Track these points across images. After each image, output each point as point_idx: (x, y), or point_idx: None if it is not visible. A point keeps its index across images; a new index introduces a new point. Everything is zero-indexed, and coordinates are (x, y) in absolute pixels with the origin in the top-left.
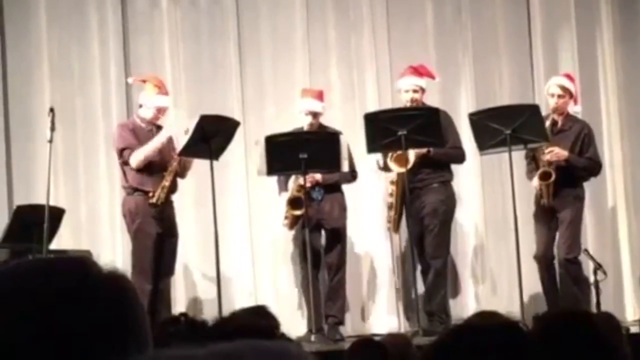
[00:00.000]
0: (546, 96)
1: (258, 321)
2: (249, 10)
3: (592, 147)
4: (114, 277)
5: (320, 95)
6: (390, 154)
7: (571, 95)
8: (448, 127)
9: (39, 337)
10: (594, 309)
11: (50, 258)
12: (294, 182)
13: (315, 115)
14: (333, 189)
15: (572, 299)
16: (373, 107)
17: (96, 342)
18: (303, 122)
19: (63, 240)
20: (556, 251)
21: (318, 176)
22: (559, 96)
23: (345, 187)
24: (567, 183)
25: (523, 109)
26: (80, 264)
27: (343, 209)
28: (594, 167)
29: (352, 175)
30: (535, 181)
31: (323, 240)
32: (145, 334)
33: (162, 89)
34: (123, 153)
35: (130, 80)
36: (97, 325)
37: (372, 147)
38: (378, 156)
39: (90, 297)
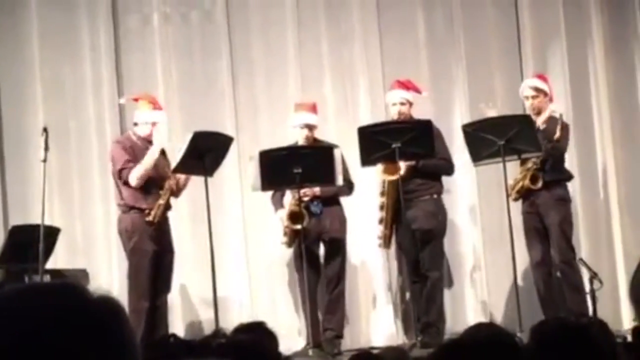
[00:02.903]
0: (522, 100)
1: (239, 337)
2: (241, 26)
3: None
4: (104, 301)
5: (314, 108)
6: (380, 166)
7: (545, 94)
8: (437, 140)
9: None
10: (591, 317)
11: (41, 283)
12: (292, 196)
13: (310, 128)
14: (331, 202)
15: (571, 306)
16: (366, 120)
17: None
18: (297, 137)
19: (59, 260)
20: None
21: (317, 190)
22: (533, 97)
23: (342, 200)
24: (548, 186)
25: (516, 120)
26: (69, 290)
27: (343, 221)
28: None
29: (348, 187)
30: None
31: (322, 253)
32: (135, 357)
33: (155, 105)
34: (122, 173)
35: (122, 100)
36: (87, 349)
37: (366, 160)
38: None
39: (79, 322)
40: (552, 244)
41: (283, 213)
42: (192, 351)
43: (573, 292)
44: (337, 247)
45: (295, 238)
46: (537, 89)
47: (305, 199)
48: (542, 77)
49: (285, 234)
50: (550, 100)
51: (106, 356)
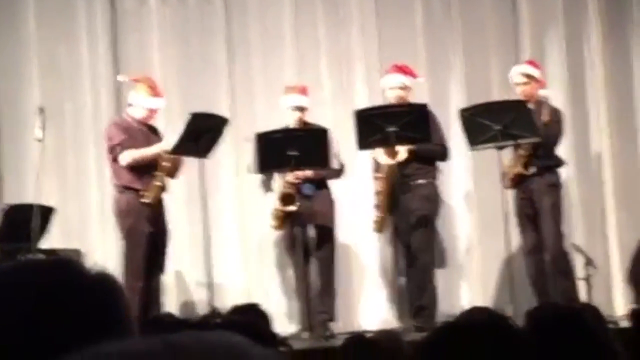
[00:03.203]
0: (512, 87)
1: (238, 317)
2: (238, 7)
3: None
4: (101, 278)
5: (304, 91)
6: (380, 150)
7: (537, 81)
8: (432, 124)
9: (21, 336)
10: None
11: (37, 260)
12: (282, 178)
13: (301, 110)
14: (321, 185)
15: (561, 291)
16: (363, 104)
17: (81, 342)
18: (288, 119)
19: (53, 240)
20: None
21: (308, 172)
22: (524, 83)
23: (336, 184)
24: (540, 172)
25: (513, 105)
26: (66, 265)
27: (332, 204)
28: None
29: (339, 170)
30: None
31: (311, 236)
32: (133, 331)
33: (155, 91)
34: (115, 149)
35: (121, 77)
36: (84, 324)
37: (362, 144)
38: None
39: (76, 298)
40: (542, 229)
41: (273, 196)
42: (189, 329)
43: (562, 277)
44: (326, 230)
45: (285, 221)
46: (527, 75)
47: (297, 181)
48: (532, 63)
49: (275, 217)
50: (541, 86)
51: (104, 331)
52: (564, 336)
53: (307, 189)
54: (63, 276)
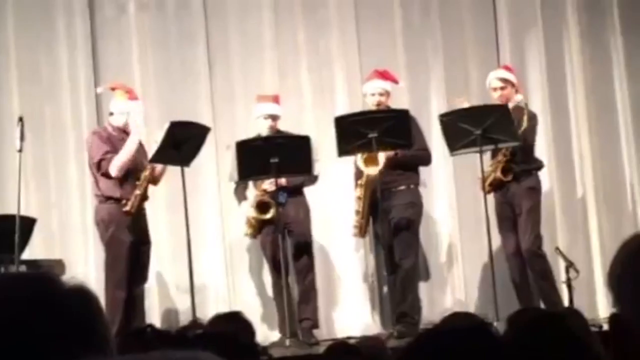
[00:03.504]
0: (489, 92)
1: (216, 327)
2: (217, 14)
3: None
4: (77, 291)
5: (276, 99)
6: (360, 156)
7: (513, 85)
8: (413, 129)
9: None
10: (565, 306)
11: (13, 273)
12: (256, 187)
13: (274, 118)
14: (295, 192)
15: (542, 294)
16: (343, 109)
17: (57, 353)
18: (260, 128)
19: (35, 250)
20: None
21: (283, 180)
22: (501, 88)
23: (316, 190)
24: (518, 176)
25: (493, 110)
26: (42, 280)
27: (307, 211)
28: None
29: (314, 177)
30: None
31: (288, 244)
32: (107, 346)
33: (131, 94)
34: (101, 164)
35: (99, 89)
36: (59, 338)
37: (343, 150)
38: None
39: (52, 312)
40: (519, 232)
41: (247, 205)
42: (169, 342)
43: (542, 280)
44: (303, 237)
45: (260, 229)
46: (504, 80)
47: (271, 188)
48: (507, 68)
49: (250, 225)
50: (517, 90)
51: (79, 345)
52: (546, 341)
53: (281, 197)
54: (39, 291)
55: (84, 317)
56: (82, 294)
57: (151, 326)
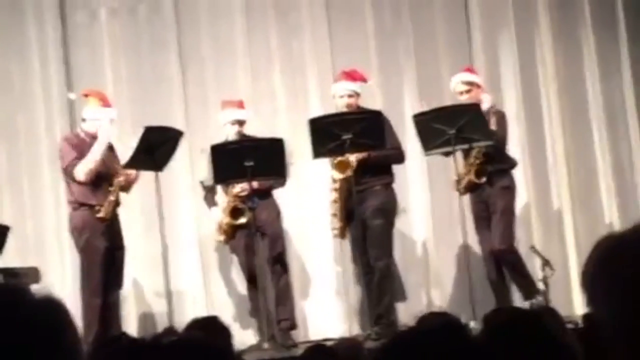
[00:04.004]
0: (455, 96)
1: (193, 334)
2: (189, 19)
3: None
4: (45, 303)
5: (241, 104)
6: (331, 161)
7: (478, 86)
8: (386, 128)
9: None
10: (546, 302)
11: None
12: (228, 193)
13: (241, 123)
14: (266, 195)
15: (520, 288)
16: (317, 111)
17: None
18: (227, 133)
19: (9, 258)
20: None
21: (255, 184)
22: (467, 91)
23: (291, 193)
24: (492, 176)
25: (466, 109)
26: (9, 291)
27: (278, 213)
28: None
29: (282, 179)
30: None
31: (261, 247)
32: (76, 355)
33: (105, 102)
34: (68, 169)
35: (72, 96)
36: (26, 350)
37: (317, 152)
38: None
39: (19, 323)
40: (492, 230)
41: (219, 211)
42: (143, 350)
43: (515, 274)
44: (277, 240)
45: (233, 234)
46: (469, 83)
47: (244, 193)
48: (470, 70)
49: (222, 231)
50: (483, 91)
51: (45, 357)
52: (522, 340)
53: (251, 202)
54: (5, 302)
55: (52, 328)
56: (50, 305)
57: (124, 334)
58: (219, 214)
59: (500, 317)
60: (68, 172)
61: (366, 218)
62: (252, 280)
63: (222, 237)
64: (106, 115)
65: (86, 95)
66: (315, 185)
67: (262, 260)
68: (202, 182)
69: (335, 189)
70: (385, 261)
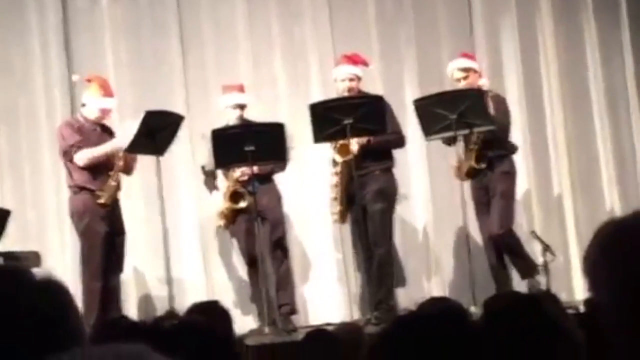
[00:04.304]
0: (453, 84)
1: (194, 318)
2: (190, 4)
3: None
4: (47, 284)
5: (242, 88)
6: (333, 145)
7: (475, 71)
8: (387, 113)
9: None
10: (543, 287)
11: None
12: (229, 177)
13: (242, 107)
14: (266, 179)
15: (520, 268)
16: (318, 97)
17: (28, 347)
18: (228, 118)
19: (10, 242)
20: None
21: (255, 168)
22: (464, 78)
23: (292, 177)
24: (493, 162)
25: (467, 94)
26: (11, 273)
27: (279, 198)
28: None
29: (283, 164)
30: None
31: (262, 232)
32: (79, 338)
33: (106, 91)
34: (70, 150)
35: (75, 77)
36: (29, 331)
37: (318, 137)
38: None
39: (21, 305)
40: (491, 214)
41: (219, 195)
42: (143, 333)
43: (514, 256)
44: (278, 225)
45: (234, 219)
46: (465, 69)
47: (244, 178)
48: (467, 56)
49: (222, 216)
50: (480, 76)
51: (48, 338)
52: (521, 324)
53: (253, 186)
54: (7, 284)
55: (54, 309)
56: (51, 286)
57: (124, 317)
58: (219, 199)
59: (500, 302)
60: (69, 152)
61: (366, 203)
62: (252, 265)
63: (222, 222)
64: (108, 105)
65: (89, 81)
66: (316, 171)
67: (262, 245)
68: (203, 167)
69: (336, 173)
70: (386, 246)
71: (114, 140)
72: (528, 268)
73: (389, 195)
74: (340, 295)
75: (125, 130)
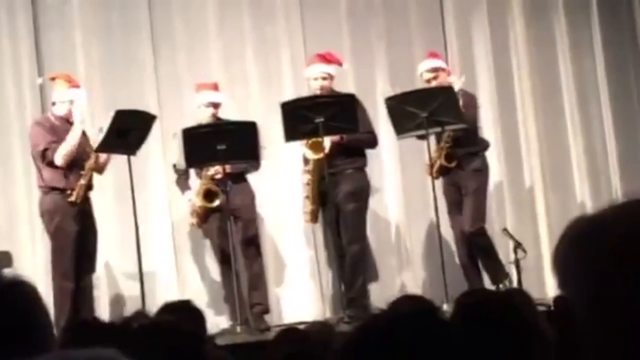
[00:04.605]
0: (424, 85)
1: (163, 318)
2: (162, 2)
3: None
4: (13, 285)
5: (216, 87)
6: (305, 142)
7: (444, 70)
8: (360, 113)
9: None
10: (515, 286)
11: None
12: (202, 176)
13: (215, 106)
14: (239, 179)
15: (488, 271)
16: (290, 95)
17: None
18: (201, 116)
19: None
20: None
21: (227, 167)
22: (434, 78)
23: (264, 177)
24: (464, 160)
25: (438, 92)
26: None
27: (252, 197)
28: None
29: (256, 163)
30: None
31: (234, 230)
32: (47, 338)
33: (72, 83)
34: (46, 153)
35: (39, 80)
36: None
37: (290, 136)
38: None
39: None
40: (463, 212)
41: (192, 194)
42: (113, 334)
43: (485, 256)
44: (251, 224)
45: (207, 217)
46: (434, 69)
47: (218, 176)
48: (434, 55)
49: (196, 214)
50: (449, 74)
51: (16, 341)
52: (493, 322)
53: (226, 184)
54: None
55: (22, 310)
56: (20, 287)
57: (94, 318)
58: (192, 197)
59: (471, 299)
60: (46, 156)
61: (339, 202)
62: (225, 264)
63: (195, 220)
64: (79, 97)
65: (53, 79)
66: (289, 170)
67: (235, 244)
68: (174, 166)
69: (308, 171)
70: (359, 244)
71: (74, 124)
72: (498, 273)
73: (362, 194)
74: (313, 294)
75: (79, 110)
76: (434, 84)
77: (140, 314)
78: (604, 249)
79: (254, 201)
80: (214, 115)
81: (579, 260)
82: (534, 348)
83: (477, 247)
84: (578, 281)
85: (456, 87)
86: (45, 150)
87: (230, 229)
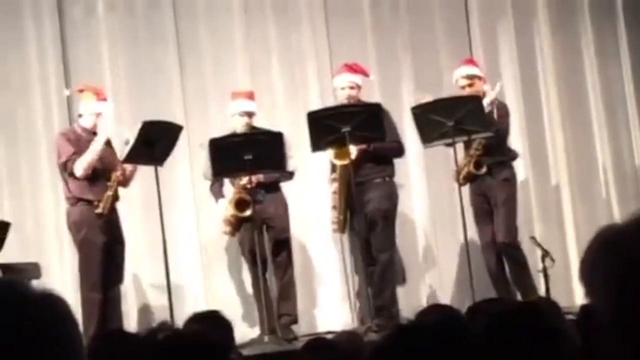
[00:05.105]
0: (458, 91)
1: (188, 329)
2: (187, 13)
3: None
4: (44, 299)
5: (251, 96)
6: (331, 150)
7: (480, 78)
8: (386, 122)
9: None
10: (543, 295)
11: None
12: (235, 184)
13: (249, 115)
14: (273, 188)
15: (519, 284)
16: (316, 105)
17: None
18: (235, 125)
19: (10, 254)
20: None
21: (260, 176)
22: (469, 85)
23: (293, 186)
24: (493, 169)
25: (465, 101)
26: (10, 288)
27: (285, 207)
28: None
29: (290, 173)
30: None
31: (266, 240)
32: (77, 352)
33: (100, 95)
34: (67, 165)
35: (67, 92)
36: (24, 346)
37: (316, 145)
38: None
39: (22, 319)
40: (495, 223)
41: (225, 202)
42: (138, 345)
43: (517, 270)
44: (282, 233)
45: (239, 226)
46: (470, 77)
47: (249, 186)
48: (471, 62)
49: (228, 223)
50: (484, 82)
51: (47, 353)
52: (520, 330)
53: (259, 194)
54: (5, 297)
55: (52, 323)
56: (50, 299)
57: (120, 330)
58: (225, 206)
59: (498, 308)
60: (67, 167)
61: (368, 211)
62: (255, 273)
63: (227, 229)
64: (105, 110)
65: (81, 91)
66: (317, 179)
67: (266, 253)
68: (204, 175)
69: (335, 179)
70: (389, 253)
71: (99, 136)
72: (528, 289)
73: (390, 203)
74: (341, 302)
75: (104, 122)
76: (468, 90)
77: (165, 325)
78: (630, 259)
79: (286, 210)
80: (249, 124)
81: (606, 269)
82: (561, 357)
83: (511, 259)
84: (604, 290)
85: (492, 96)
86: (66, 162)
87: (261, 239)
